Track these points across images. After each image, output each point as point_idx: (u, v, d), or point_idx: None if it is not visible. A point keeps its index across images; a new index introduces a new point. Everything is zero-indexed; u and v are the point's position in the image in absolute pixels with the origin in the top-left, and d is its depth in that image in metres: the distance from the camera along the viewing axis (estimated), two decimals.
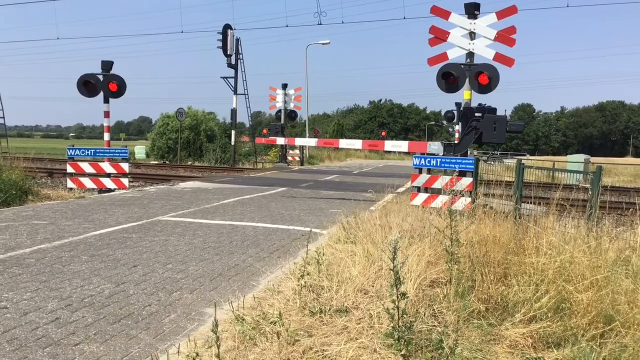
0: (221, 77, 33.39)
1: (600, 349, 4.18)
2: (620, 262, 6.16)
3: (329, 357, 3.87)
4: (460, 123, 13.81)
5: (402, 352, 3.64)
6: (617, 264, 6.01)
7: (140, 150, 48.26)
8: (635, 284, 5.35)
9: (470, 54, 12.40)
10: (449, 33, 12.42)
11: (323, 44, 42.54)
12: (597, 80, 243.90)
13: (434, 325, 4.55)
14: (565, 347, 4.32)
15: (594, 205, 7.74)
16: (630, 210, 8.12)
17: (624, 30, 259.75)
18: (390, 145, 15.34)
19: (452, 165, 11.85)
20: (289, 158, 35.43)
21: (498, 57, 12.11)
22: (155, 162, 36.62)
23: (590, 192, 8.20)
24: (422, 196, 12.09)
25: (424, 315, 4.79)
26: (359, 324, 4.54)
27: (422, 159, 12.39)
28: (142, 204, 12.63)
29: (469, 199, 10.92)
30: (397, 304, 3.77)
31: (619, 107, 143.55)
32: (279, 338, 4.06)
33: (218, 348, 3.05)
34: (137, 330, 4.61)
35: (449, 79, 12.28)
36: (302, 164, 36.10)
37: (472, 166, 11.67)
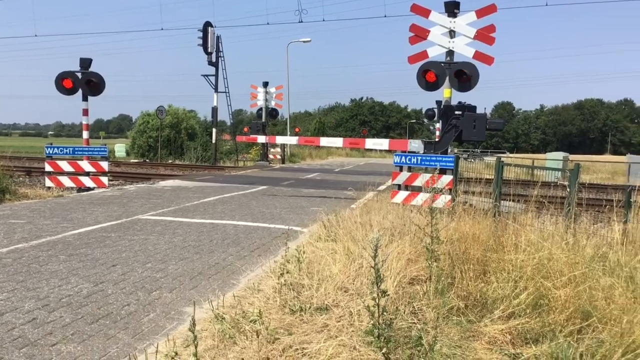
0: (202, 75, 33.25)
1: (578, 344, 4.22)
2: (598, 259, 6.23)
3: (309, 355, 3.87)
4: (440, 121, 13.89)
5: (382, 350, 3.65)
6: (594, 260, 6.08)
7: (120, 148, 47.87)
8: (612, 280, 5.42)
9: (450, 52, 12.47)
10: (429, 31, 12.48)
11: (304, 41, 42.53)
12: (574, 78, 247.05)
13: (414, 323, 4.57)
14: (543, 343, 4.35)
15: (571, 203, 7.82)
16: (607, 207, 8.22)
17: (599, 30, 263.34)
18: (371, 143, 15.37)
19: (433, 163, 11.90)
20: (270, 156, 35.38)
21: (478, 55, 12.19)
22: (136, 161, 36.33)
23: (568, 190, 8.28)
24: (403, 194, 12.13)
25: (404, 312, 4.81)
26: (339, 322, 4.54)
27: (403, 157, 12.43)
28: (122, 203, 12.51)
29: (449, 197, 10.98)
30: (377, 301, 3.77)
31: (597, 105, 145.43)
32: (258, 337, 4.05)
33: (196, 347, 3.03)
34: (116, 330, 4.57)
35: (429, 77, 12.34)
36: (283, 162, 36.07)
37: (452, 164, 11.73)
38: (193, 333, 2.88)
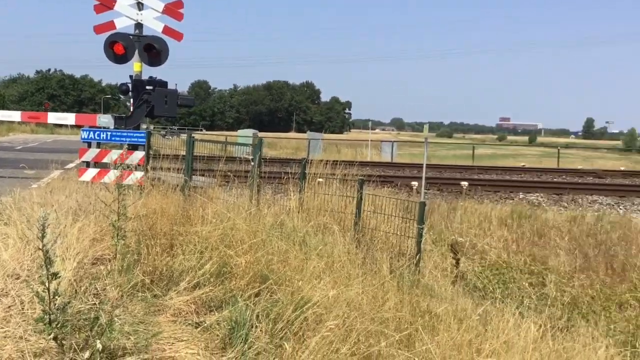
0: None
1: (255, 306, 4.52)
2: (276, 226, 6.79)
3: None
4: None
5: (52, 336, 3.39)
6: (273, 227, 6.60)
7: None
8: (288, 245, 5.96)
9: (139, 25, 12.10)
10: (115, 1, 11.91)
11: None
12: (263, 60, 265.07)
13: (95, 304, 4.36)
14: (225, 309, 4.56)
15: (254, 175, 8.35)
16: (285, 178, 8.99)
17: (289, 17, 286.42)
18: (54, 117, 14.18)
19: (123, 139, 11.51)
20: None
21: (167, 30, 12.07)
22: None
23: (252, 163, 8.81)
24: (92, 172, 11.49)
25: (85, 294, 4.56)
26: (8, 312, 4.10)
27: (92, 132, 11.75)
28: None
29: (141, 173, 10.75)
30: (47, 285, 3.49)
31: (284, 87, 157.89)
32: None
33: None
34: None
35: (117, 49, 11.81)
36: None
37: (144, 140, 11.51)
38: None
